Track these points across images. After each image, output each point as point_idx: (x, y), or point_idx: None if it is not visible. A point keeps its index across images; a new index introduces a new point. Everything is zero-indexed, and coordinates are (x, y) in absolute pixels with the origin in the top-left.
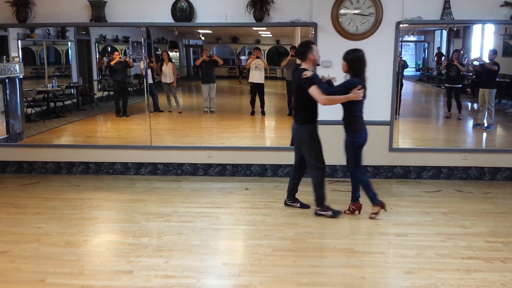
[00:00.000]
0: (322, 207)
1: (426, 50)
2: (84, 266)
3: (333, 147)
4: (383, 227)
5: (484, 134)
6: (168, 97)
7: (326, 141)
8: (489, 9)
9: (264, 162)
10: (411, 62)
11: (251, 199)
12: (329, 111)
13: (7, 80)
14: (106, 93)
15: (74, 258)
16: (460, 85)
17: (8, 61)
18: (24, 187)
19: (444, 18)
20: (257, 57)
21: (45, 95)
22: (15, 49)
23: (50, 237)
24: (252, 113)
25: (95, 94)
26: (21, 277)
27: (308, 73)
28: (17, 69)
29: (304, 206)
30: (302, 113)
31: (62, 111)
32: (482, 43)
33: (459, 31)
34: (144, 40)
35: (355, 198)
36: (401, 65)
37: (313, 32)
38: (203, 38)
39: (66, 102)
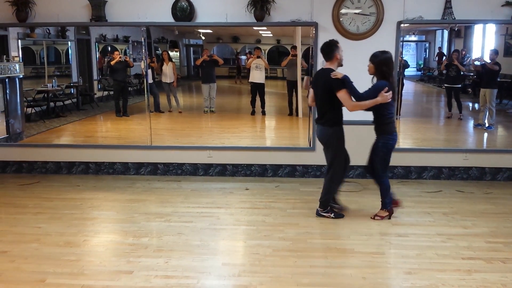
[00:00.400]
0: (325, 209)
1: (427, 50)
2: (84, 266)
3: None
4: (384, 227)
5: (485, 134)
6: (168, 97)
7: None
8: (490, 9)
9: (264, 162)
10: (412, 62)
11: (251, 199)
12: None
13: (7, 80)
14: (106, 92)
15: (74, 258)
16: (460, 85)
17: (8, 60)
18: (24, 187)
19: (445, 18)
20: (258, 57)
21: (45, 95)
22: (15, 49)
23: (50, 237)
24: (253, 113)
25: (95, 94)
26: (21, 277)
27: (338, 74)
28: (17, 68)
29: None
30: (330, 115)
31: (62, 111)
32: (483, 43)
33: (460, 31)
34: (144, 39)
35: (392, 200)
36: (402, 65)
37: (313, 31)
38: (203, 38)
39: (66, 102)
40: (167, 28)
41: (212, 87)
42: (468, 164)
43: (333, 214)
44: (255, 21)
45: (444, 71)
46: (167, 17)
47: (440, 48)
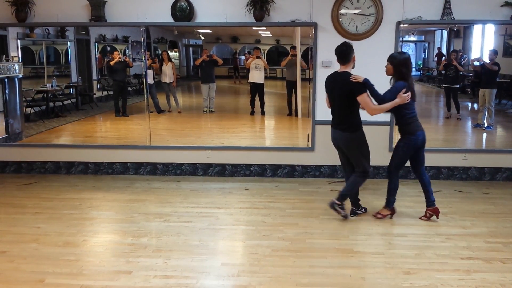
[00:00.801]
0: (341, 204)
1: (426, 50)
2: (83, 266)
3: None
4: (383, 227)
5: (484, 135)
6: (168, 97)
7: (328, 141)
8: (490, 9)
9: (263, 162)
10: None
11: (251, 199)
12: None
13: (6, 80)
14: (105, 93)
15: (73, 258)
16: (459, 86)
17: (7, 60)
18: (23, 187)
19: (444, 18)
20: (257, 57)
21: (45, 95)
22: (15, 49)
23: (49, 237)
24: (252, 113)
25: (95, 94)
26: (20, 277)
27: (359, 78)
28: (16, 68)
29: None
30: (351, 120)
31: (61, 111)
32: (482, 43)
33: (460, 31)
34: (143, 40)
35: (431, 203)
36: None
37: (313, 32)
38: (203, 38)
39: (66, 102)
40: (166, 28)
41: (212, 87)
42: (467, 164)
43: (344, 213)
44: (255, 21)
45: (443, 71)
46: (166, 17)
47: (439, 48)
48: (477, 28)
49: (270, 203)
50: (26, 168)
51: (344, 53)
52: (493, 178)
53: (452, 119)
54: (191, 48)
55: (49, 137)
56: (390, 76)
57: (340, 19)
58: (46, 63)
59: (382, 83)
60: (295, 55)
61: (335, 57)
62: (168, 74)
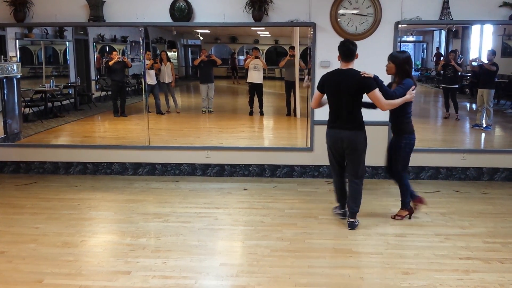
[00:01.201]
0: (356, 219)
1: (425, 51)
2: (81, 267)
3: None
4: (382, 227)
5: (483, 135)
6: (167, 97)
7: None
8: (488, 9)
9: (262, 162)
10: None
11: (250, 199)
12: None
13: (4, 80)
14: (104, 93)
15: (71, 259)
16: (457, 86)
17: (5, 60)
18: (22, 187)
19: (443, 18)
20: (256, 57)
21: (43, 95)
22: (13, 49)
23: (47, 237)
24: (251, 113)
25: (93, 94)
26: (18, 278)
27: (369, 74)
28: (14, 68)
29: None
30: (357, 118)
31: (60, 111)
32: (481, 44)
33: (458, 32)
34: (142, 40)
35: (414, 196)
36: None
37: (311, 32)
38: (201, 38)
39: (64, 102)
40: (165, 28)
41: (210, 87)
42: (465, 164)
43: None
44: (253, 21)
45: (441, 72)
46: (165, 17)
47: (438, 48)
48: (475, 29)
49: (269, 203)
50: (25, 168)
51: (351, 51)
52: (492, 178)
53: (450, 119)
54: (189, 48)
55: (48, 137)
56: (391, 75)
57: (338, 19)
58: (45, 63)
59: None
60: (293, 55)
61: (334, 57)
62: (167, 74)
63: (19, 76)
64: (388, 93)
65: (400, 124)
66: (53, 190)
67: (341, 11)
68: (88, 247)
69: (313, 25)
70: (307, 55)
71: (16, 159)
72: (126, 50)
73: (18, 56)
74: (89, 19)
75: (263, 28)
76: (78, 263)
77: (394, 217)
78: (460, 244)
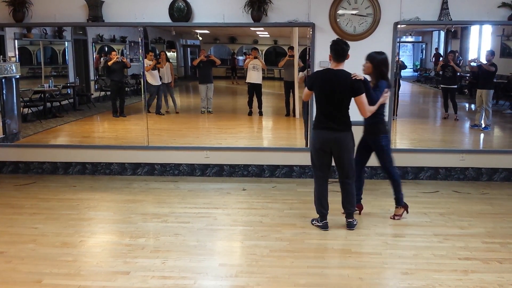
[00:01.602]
0: (353, 218)
1: (424, 51)
2: (80, 267)
3: None
4: (381, 227)
5: (482, 135)
6: (166, 98)
7: None
8: (487, 10)
9: (261, 162)
10: (408, 63)
11: (249, 199)
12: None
13: (3, 80)
14: (103, 93)
15: (70, 259)
16: (456, 86)
17: (4, 60)
18: (21, 188)
19: (442, 19)
20: (255, 58)
21: (42, 95)
22: (12, 49)
23: (46, 237)
24: (250, 113)
25: (92, 94)
26: (17, 278)
27: (360, 75)
28: (13, 69)
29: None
30: (346, 119)
31: (58, 111)
32: (479, 44)
33: (457, 32)
34: (141, 40)
35: (358, 199)
36: (399, 66)
37: (310, 32)
38: (200, 38)
39: (63, 102)
40: (164, 29)
41: (209, 88)
42: (464, 164)
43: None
44: (252, 21)
45: (440, 72)
46: (164, 18)
47: (436, 49)
48: (474, 29)
49: (268, 203)
50: (24, 169)
51: (344, 51)
52: (491, 179)
53: (449, 119)
54: (189, 49)
55: (47, 138)
56: (368, 75)
57: (337, 20)
58: (44, 63)
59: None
60: (293, 56)
61: None
62: (166, 74)
63: (18, 76)
64: (373, 98)
65: (377, 124)
66: (52, 190)
67: (340, 12)
68: (87, 247)
69: (312, 26)
70: (306, 56)
71: (15, 159)
72: (125, 50)
73: (17, 56)
74: (88, 19)
75: (262, 29)
76: (77, 263)
77: (393, 218)
78: (459, 244)
